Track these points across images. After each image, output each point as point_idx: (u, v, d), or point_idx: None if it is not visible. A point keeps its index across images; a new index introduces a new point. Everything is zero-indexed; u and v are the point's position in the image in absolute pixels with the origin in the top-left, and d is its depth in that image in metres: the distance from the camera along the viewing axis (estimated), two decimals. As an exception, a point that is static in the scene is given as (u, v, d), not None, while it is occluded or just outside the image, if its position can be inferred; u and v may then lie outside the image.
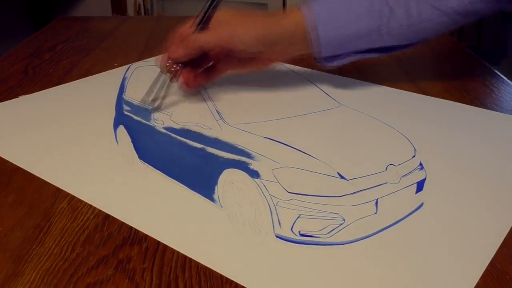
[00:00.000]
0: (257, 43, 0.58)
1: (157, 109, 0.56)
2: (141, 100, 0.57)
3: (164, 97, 0.59)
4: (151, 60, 0.83)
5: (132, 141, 0.54)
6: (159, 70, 0.59)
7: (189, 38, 0.57)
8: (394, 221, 0.43)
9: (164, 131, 0.53)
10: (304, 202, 0.42)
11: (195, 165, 0.49)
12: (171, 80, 0.58)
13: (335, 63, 0.64)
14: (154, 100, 0.57)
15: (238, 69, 0.63)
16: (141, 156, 0.53)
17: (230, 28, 0.57)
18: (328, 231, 0.41)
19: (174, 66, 0.58)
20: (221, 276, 0.37)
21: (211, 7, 0.57)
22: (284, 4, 2.66)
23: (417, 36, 0.64)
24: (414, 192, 0.46)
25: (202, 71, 0.61)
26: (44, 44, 0.95)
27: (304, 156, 0.46)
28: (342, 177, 0.43)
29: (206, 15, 0.58)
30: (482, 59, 0.85)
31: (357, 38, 0.61)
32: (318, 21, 0.59)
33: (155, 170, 0.50)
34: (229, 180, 0.45)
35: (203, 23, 0.57)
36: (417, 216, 0.43)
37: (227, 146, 0.48)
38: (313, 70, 0.78)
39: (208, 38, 0.57)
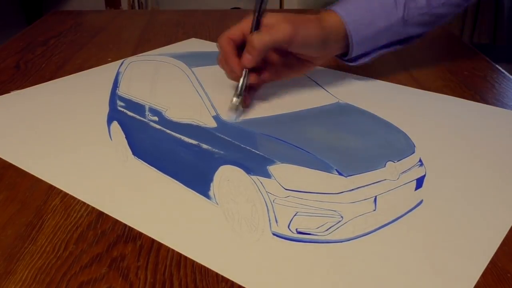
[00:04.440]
0: (317, 41, 0.57)
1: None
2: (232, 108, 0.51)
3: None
4: (145, 55, 0.82)
5: (126, 137, 0.54)
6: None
7: (252, 40, 0.53)
8: (393, 218, 0.42)
9: (158, 127, 0.52)
10: (302, 199, 0.41)
11: (190, 162, 0.48)
12: (243, 90, 0.54)
13: (361, 61, 0.66)
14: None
15: (284, 75, 0.60)
16: (135, 153, 0.52)
17: (292, 26, 0.54)
18: (326, 229, 0.40)
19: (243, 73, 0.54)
20: (216, 274, 0.37)
21: (260, 10, 0.55)
22: (280, 5, 2.66)
23: (434, 22, 0.67)
24: (414, 189, 0.45)
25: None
26: (37, 38, 0.94)
27: (301, 153, 0.45)
28: (340, 173, 0.42)
29: (258, 18, 0.55)
30: (497, 57, 0.85)
31: (386, 31, 0.64)
32: (349, 20, 0.61)
33: (150, 166, 0.50)
34: (225, 177, 0.45)
35: (256, 26, 0.55)
36: (417, 213, 0.43)
37: (223, 142, 0.47)
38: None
39: (273, 36, 0.54)
